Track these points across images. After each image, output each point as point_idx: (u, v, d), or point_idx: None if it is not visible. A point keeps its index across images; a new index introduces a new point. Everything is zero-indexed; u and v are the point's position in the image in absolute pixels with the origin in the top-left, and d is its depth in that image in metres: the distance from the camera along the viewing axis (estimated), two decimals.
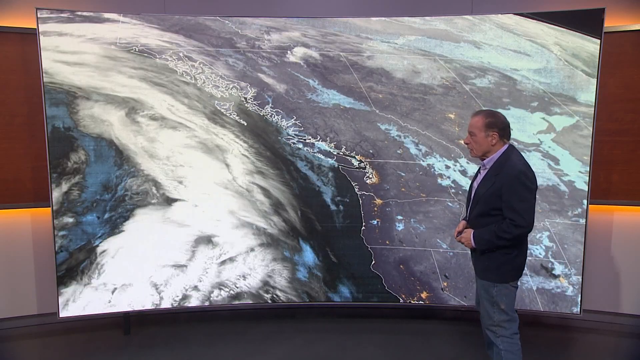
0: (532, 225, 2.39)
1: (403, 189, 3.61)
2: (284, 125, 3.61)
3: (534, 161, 3.38)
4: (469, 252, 2.68)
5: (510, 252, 2.43)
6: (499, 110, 2.94)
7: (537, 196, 2.45)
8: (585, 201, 3.38)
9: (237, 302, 3.66)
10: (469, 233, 2.50)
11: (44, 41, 3.27)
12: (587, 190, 3.37)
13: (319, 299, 3.70)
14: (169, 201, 3.55)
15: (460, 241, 2.56)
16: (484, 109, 2.61)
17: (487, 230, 2.43)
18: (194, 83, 3.51)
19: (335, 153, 3.63)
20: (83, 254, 3.45)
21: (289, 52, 3.56)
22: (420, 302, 3.67)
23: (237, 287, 3.65)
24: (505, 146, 2.48)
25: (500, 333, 2.48)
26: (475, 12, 3.61)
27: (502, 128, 2.45)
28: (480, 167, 2.58)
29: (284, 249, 3.67)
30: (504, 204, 2.37)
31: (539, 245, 3.46)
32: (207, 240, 3.61)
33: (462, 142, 3.53)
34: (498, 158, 2.46)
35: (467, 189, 2.96)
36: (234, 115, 3.57)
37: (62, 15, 3.30)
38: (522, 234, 2.39)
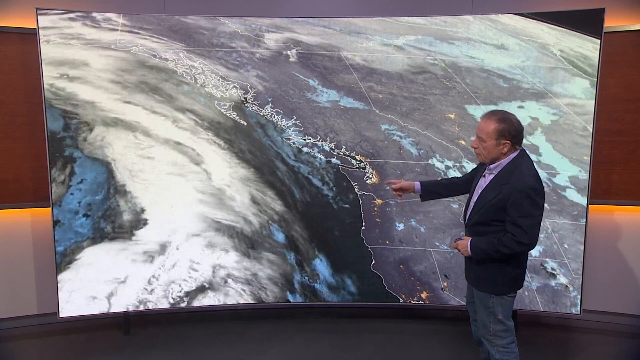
0: (535, 243, 2.27)
1: None
2: (284, 125, 3.61)
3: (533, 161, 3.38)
4: None
5: (505, 265, 2.32)
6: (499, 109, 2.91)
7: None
8: (585, 201, 3.38)
9: (236, 302, 3.66)
10: (467, 241, 2.39)
11: (43, 41, 3.26)
12: (587, 190, 3.38)
13: (319, 299, 3.70)
14: (169, 201, 3.55)
15: (457, 248, 2.45)
16: (495, 110, 2.39)
17: (486, 241, 2.31)
18: (193, 83, 3.51)
19: (335, 153, 3.63)
20: (83, 254, 3.44)
21: (289, 52, 3.56)
22: (420, 302, 3.67)
23: (237, 288, 3.64)
24: (516, 152, 2.32)
25: (496, 342, 2.41)
26: (475, 12, 3.61)
27: (515, 135, 2.28)
28: (485, 170, 2.42)
29: (284, 250, 3.66)
30: (507, 217, 2.24)
31: (539, 245, 3.45)
32: (206, 242, 3.60)
33: (462, 142, 3.53)
34: (506, 165, 2.31)
35: None
36: (234, 115, 3.57)
37: (62, 15, 3.30)
38: (523, 251, 2.28)
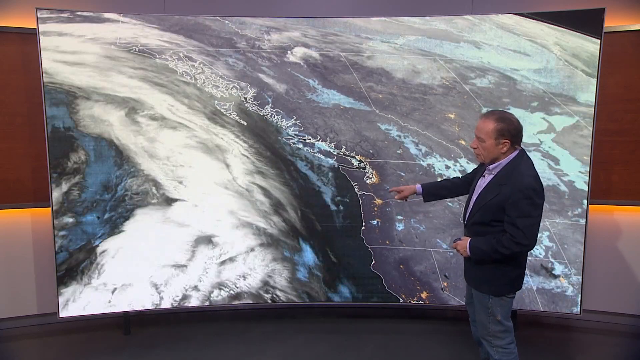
0: (535, 243, 2.26)
1: None
2: (284, 125, 3.61)
3: (534, 161, 3.36)
4: None
5: (504, 266, 2.32)
6: (498, 109, 2.91)
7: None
8: (585, 201, 3.38)
9: (237, 302, 3.66)
10: (466, 241, 2.38)
11: (44, 41, 3.26)
12: (587, 190, 3.38)
13: (319, 299, 3.70)
14: (169, 201, 3.55)
15: (456, 248, 2.45)
16: (493, 110, 2.40)
17: (485, 241, 2.31)
18: (194, 83, 3.51)
19: (335, 153, 3.63)
20: (83, 254, 3.45)
21: (289, 52, 3.56)
22: (420, 302, 3.67)
23: (237, 287, 3.64)
24: (516, 152, 2.31)
25: (495, 343, 2.40)
26: (475, 12, 3.61)
27: (514, 134, 2.27)
28: (485, 170, 2.42)
29: (284, 249, 3.66)
30: (506, 217, 2.24)
31: (539, 245, 3.45)
32: (207, 240, 3.61)
33: (462, 142, 3.53)
34: (506, 165, 2.30)
35: None
36: (234, 115, 3.57)
37: (62, 15, 3.30)
38: (522, 252, 2.28)
